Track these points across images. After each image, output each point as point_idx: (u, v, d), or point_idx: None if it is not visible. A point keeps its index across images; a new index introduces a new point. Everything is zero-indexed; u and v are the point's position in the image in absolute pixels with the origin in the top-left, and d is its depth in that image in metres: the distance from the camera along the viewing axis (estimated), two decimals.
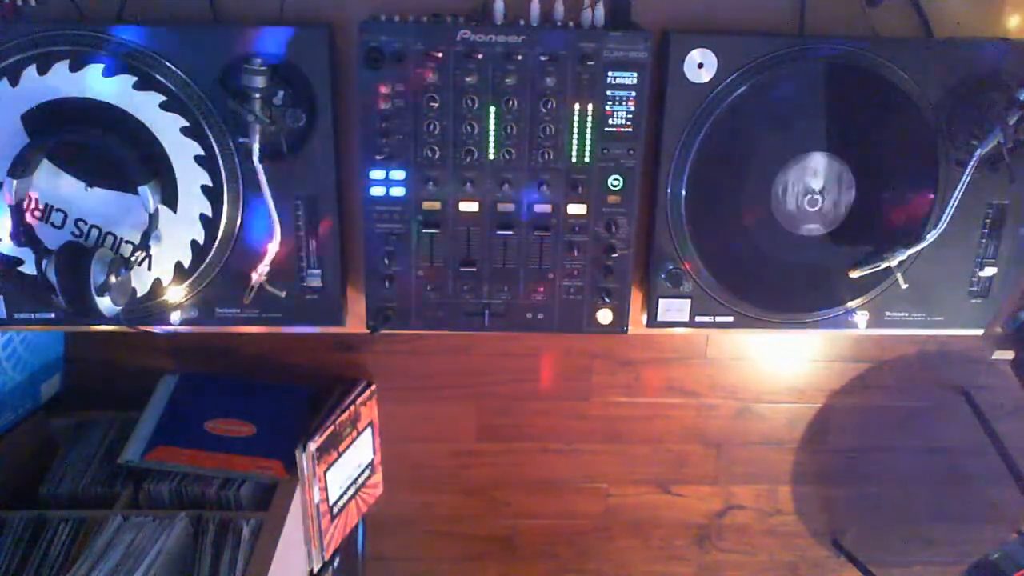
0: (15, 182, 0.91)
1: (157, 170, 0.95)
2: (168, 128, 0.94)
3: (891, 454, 2.32)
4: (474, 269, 1.00)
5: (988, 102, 0.97)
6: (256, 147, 0.90)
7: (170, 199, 0.97)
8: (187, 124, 0.94)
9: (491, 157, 0.96)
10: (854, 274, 1.04)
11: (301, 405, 1.93)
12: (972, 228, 1.06)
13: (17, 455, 1.79)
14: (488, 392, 2.18)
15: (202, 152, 0.95)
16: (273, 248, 0.96)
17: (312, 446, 1.75)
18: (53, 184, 0.95)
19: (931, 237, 1.00)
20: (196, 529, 1.61)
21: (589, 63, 0.93)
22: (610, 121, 0.95)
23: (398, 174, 0.96)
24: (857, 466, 2.33)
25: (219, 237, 0.98)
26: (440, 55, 0.92)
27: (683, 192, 1.01)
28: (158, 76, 0.92)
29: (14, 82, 0.92)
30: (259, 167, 0.91)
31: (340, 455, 1.88)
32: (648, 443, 2.26)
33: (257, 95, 0.89)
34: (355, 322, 1.07)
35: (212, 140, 0.95)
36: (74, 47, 0.91)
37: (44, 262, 0.92)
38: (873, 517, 2.37)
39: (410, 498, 2.23)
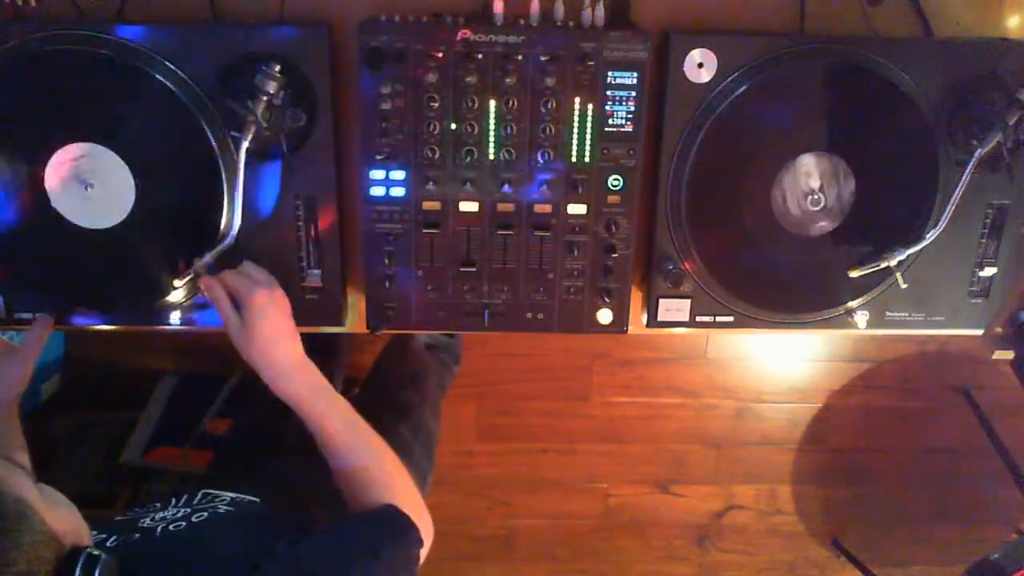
0: None
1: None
2: None
3: (891, 454, 2.32)
4: (474, 269, 1.00)
5: (988, 102, 0.97)
6: (245, 143, 0.90)
7: None
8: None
9: (491, 157, 0.96)
10: (854, 274, 1.04)
11: None
12: (972, 228, 1.06)
13: None
14: (488, 392, 2.18)
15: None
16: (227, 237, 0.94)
17: None
18: None
19: (931, 237, 1.00)
20: None
21: (589, 63, 0.93)
22: (610, 121, 0.95)
23: (398, 174, 0.96)
24: (857, 466, 2.33)
25: (218, 237, 0.98)
26: (440, 55, 0.92)
27: (683, 192, 1.01)
28: (158, 76, 0.92)
29: None
30: (241, 158, 0.90)
31: None
32: (648, 443, 2.26)
33: (265, 98, 0.89)
34: (355, 322, 1.07)
35: (212, 140, 0.94)
36: (74, 47, 0.91)
37: None
38: (873, 517, 2.37)
39: None
